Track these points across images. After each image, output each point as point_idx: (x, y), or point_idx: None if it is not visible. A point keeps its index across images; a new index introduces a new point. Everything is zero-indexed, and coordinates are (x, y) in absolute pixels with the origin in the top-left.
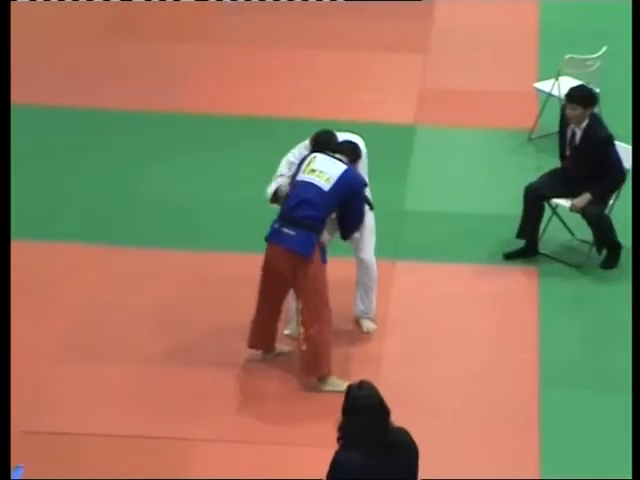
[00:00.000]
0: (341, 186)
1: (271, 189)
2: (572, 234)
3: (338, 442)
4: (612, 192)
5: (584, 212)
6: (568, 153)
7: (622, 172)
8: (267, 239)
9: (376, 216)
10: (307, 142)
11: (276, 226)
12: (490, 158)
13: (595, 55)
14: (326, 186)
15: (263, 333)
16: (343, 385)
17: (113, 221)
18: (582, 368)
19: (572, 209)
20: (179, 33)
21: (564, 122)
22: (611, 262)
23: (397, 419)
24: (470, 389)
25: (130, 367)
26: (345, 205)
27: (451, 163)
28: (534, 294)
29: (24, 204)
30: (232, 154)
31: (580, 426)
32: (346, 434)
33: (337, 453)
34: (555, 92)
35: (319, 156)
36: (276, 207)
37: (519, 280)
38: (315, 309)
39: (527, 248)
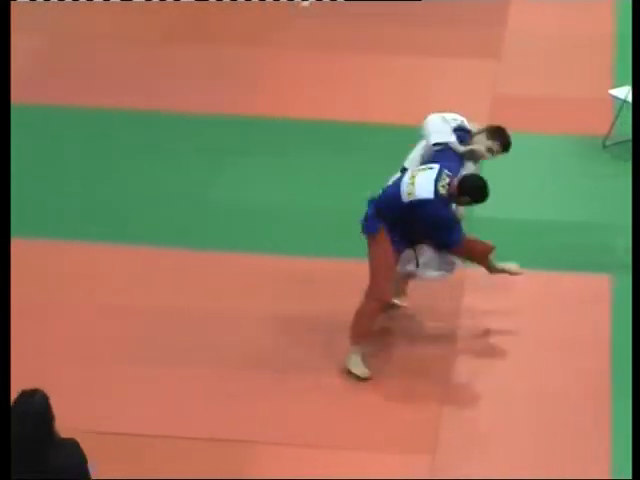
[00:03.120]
0: (414, 205)
1: (441, 138)
2: None
3: None
4: None
5: None
6: None
7: None
8: None
9: None
10: (470, 126)
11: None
12: (563, 165)
13: None
14: (405, 198)
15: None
16: (359, 370)
17: (187, 225)
18: None
19: None
20: (247, 36)
21: None
22: None
23: (468, 422)
24: (541, 394)
25: (197, 370)
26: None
27: (524, 169)
28: (606, 300)
29: (87, 205)
30: (299, 158)
31: None
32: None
33: None
34: (630, 99)
35: (430, 173)
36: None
37: (591, 286)
38: (370, 287)
39: None
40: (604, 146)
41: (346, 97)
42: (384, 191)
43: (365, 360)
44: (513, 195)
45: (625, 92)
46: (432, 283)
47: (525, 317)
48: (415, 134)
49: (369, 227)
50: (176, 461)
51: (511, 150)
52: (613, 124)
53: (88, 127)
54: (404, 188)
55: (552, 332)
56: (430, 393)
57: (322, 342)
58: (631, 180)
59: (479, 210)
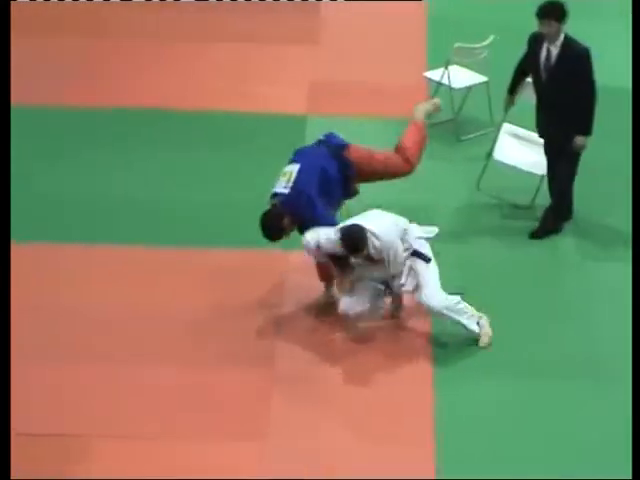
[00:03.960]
0: None
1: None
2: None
3: None
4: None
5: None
6: (544, 77)
7: (595, 90)
8: None
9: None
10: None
11: None
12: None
13: (483, 44)
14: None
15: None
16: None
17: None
18: (475, 355)
19: (579, 150)
20: (77, 27)
21: (534, 46)
22: (542, 231)
23: (297, 410)
24: (365, 376)
25: (33, 364)
26: None
27: None
28: None
29: None
30: (125, 146)
31: (475, 414)
32: None
33: None
34: (445, 81)
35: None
36: None
37: None
38: None
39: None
40: None
41: (169, 85)
42: None
43: None
44: None
45: (439, 74)
46: None
47: None
48: (237, 119)
49: None
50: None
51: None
52: None
53: None
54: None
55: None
56: (259, 381)
57: (153, 333)
58: (631, 179)
59: None
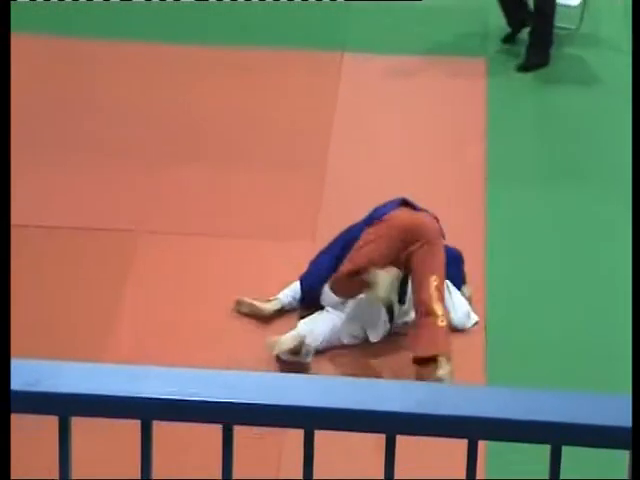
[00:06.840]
0: None
1: None
2: None
3: None
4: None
5: None
6: None
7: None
8: None
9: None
10: None
11: None
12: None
13: None
14: None
15: None
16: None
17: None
18: (531, 162)
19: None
20: None
21: None
22: (530, 62)
23: (345, 208)
24: (416, 184)
25: (86, 159)
26: None
27: None
28: (482, 86)
29: None
30: None
31: (524, 223)
32: None
33: None
34: None
35: None
36: None
37: (467, 71)
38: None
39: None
40: None
41: None
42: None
43: None
44: None
45: None
46: None
47: (401, 102)
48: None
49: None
50: (60, 251)
51: None
52: None
53: None
54: None
55: (428, 118)
56: (308, 184)
57: (193, 133)
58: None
59: None
